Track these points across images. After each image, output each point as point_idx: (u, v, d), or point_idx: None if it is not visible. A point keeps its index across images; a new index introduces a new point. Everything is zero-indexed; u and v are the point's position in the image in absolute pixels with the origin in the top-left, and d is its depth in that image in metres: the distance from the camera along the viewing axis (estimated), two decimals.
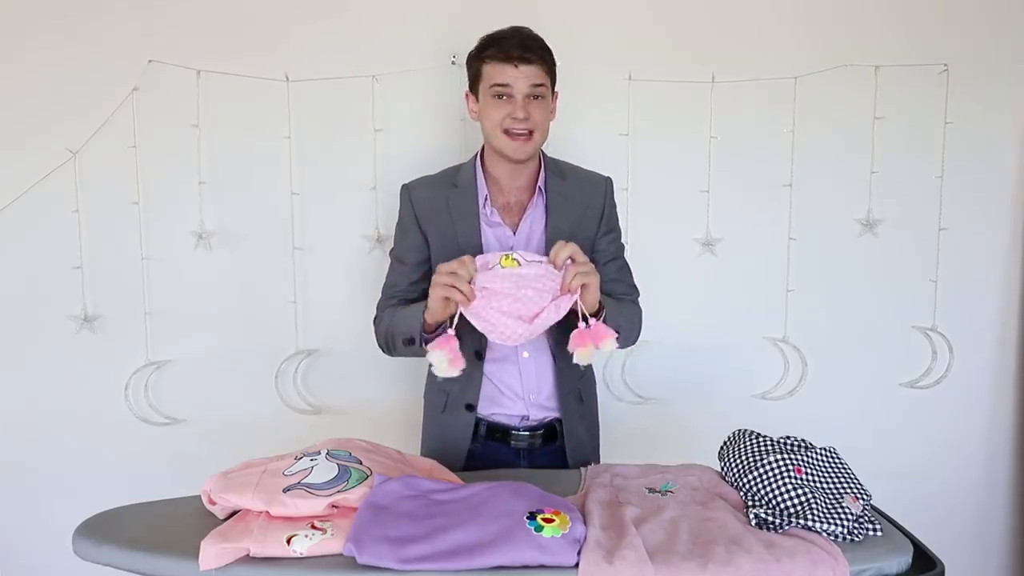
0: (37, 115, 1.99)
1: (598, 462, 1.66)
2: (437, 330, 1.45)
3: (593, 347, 1.38)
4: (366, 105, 2.06)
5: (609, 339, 1.38)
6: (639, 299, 1.72)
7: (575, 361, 1.39)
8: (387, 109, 2.08)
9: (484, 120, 1.55)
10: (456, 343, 1.38)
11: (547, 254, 1.50)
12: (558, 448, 1.68)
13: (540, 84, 1.51)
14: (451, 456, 1.61)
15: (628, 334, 1.58)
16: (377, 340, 1.66)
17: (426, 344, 1.45)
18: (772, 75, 2.12)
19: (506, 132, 1.51)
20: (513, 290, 1.37)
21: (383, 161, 2.09)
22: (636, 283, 1.73)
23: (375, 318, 1.68)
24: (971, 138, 2.19)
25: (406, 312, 1.53)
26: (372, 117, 2.07)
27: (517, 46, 1.48)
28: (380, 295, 1.69)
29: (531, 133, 1.51)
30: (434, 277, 1.40)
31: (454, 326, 1.40)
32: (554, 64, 1.56)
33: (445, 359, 1.37)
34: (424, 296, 1.63)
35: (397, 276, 1.67)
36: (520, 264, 1.39)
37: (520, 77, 1.48)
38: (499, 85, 1.49)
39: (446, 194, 1.62)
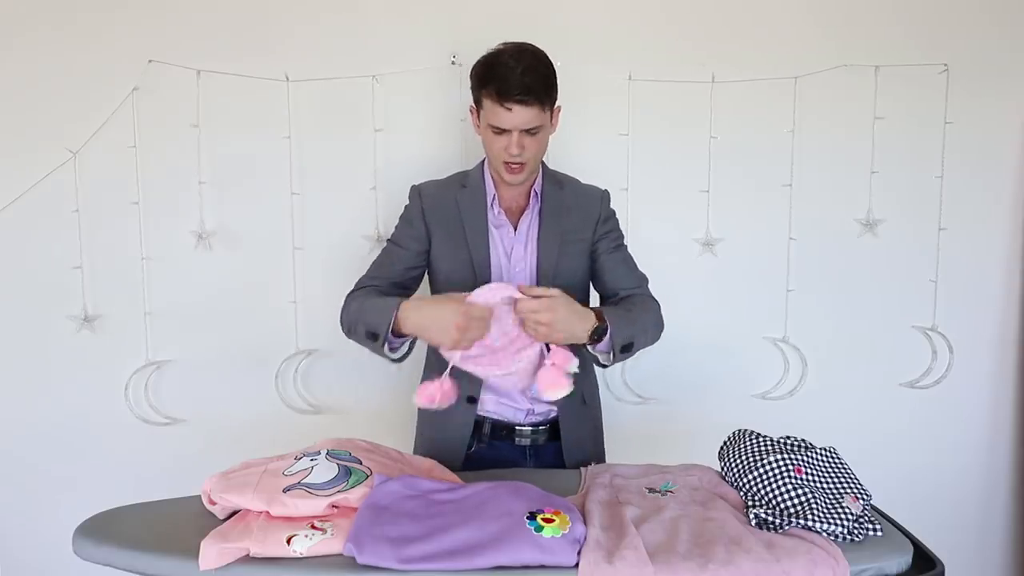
0: (37, 115, 1.99)
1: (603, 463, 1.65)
2: (403, 336, 1.45)
3: (564, 380, 1.36)
4: (366, 105, 2.06)
5: (572, 362, 1.37)
6: (649, 286, 1.67)
7: (547, 398, 1.38)
8: (387, 109, 2.08)
9: (486, 145, 1.58)
10: (449, 385, 1.37)
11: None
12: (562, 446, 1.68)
13: (535, 126, 1.51)
14: (450, 455, 1.60)
15: (644, 337, 1.54)
16: (341, 316, 1.56)
17: (394, 355, 1.49)
18: (772, 75, 2.12)
19: (503, 162, 1.55)
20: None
21: (383, 161, 2.09)
22: (642, 271, 1.69)
23: (350, 292, 1.60)
24: (971, 138, 2.19)
25: (379, 303, 1.48)
26: (372, 117, 2.07)
27: (516, 85, 1.46)
28: (365, 272, 1.64)
29: (523, 165, 1.54)
30: (454, 316, 1.35)
31: (449, 372, 1.37)
32: (554, 88, 1.53)
33: (433, 398, 1.36)
34: (412, 284, 1.64)
35: (391, 258, 1.64)
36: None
37: (516, 118, 1.49)
38: (496, 127, 1.51)
39: (455, 194, 1.65)
